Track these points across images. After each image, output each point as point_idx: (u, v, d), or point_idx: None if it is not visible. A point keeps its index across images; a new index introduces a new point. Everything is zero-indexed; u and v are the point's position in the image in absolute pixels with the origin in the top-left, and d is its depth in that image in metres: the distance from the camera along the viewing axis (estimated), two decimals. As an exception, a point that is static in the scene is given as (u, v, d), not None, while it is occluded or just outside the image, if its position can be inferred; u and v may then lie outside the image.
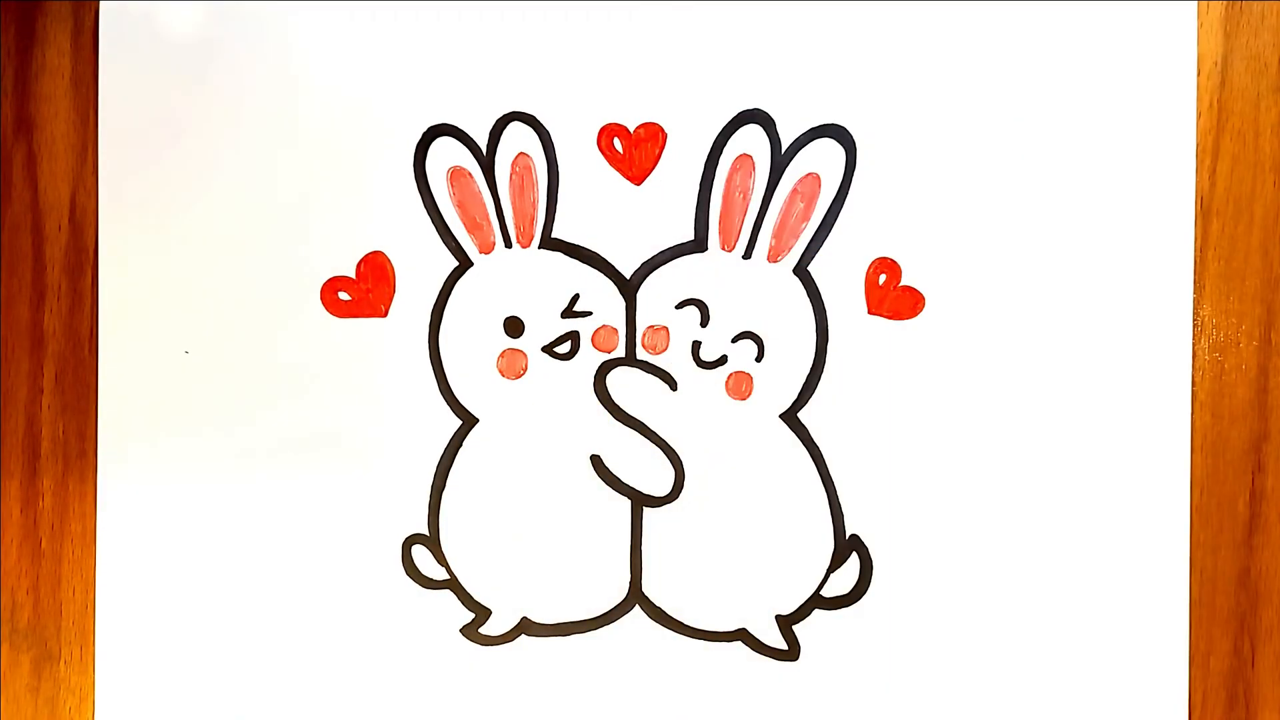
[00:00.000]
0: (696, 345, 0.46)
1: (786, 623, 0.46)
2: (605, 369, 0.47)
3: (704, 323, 0.46)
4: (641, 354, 0.47)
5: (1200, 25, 0.44)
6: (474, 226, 0.47)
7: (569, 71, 0.47)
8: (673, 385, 0.46)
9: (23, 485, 0.50)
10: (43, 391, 0.50)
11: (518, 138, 0.47)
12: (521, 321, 0.47)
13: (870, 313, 0.45)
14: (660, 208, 0.46)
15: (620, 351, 0.47)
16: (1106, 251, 0.44)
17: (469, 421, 0.47)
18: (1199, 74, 0.44)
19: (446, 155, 0.47)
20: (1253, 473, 0.44)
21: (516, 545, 0.47)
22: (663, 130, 0.46)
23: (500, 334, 0.47)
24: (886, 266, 0.45)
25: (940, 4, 0.45)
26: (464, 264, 0.47)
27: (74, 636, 0.50)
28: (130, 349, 0.49)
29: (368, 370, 0.48)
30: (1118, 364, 0.44)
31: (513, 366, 0.47)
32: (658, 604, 0.47)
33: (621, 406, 0.47)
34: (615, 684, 0.47)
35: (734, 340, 0.46)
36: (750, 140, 0.46)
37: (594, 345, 0.47)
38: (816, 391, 0.46)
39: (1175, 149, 0.44)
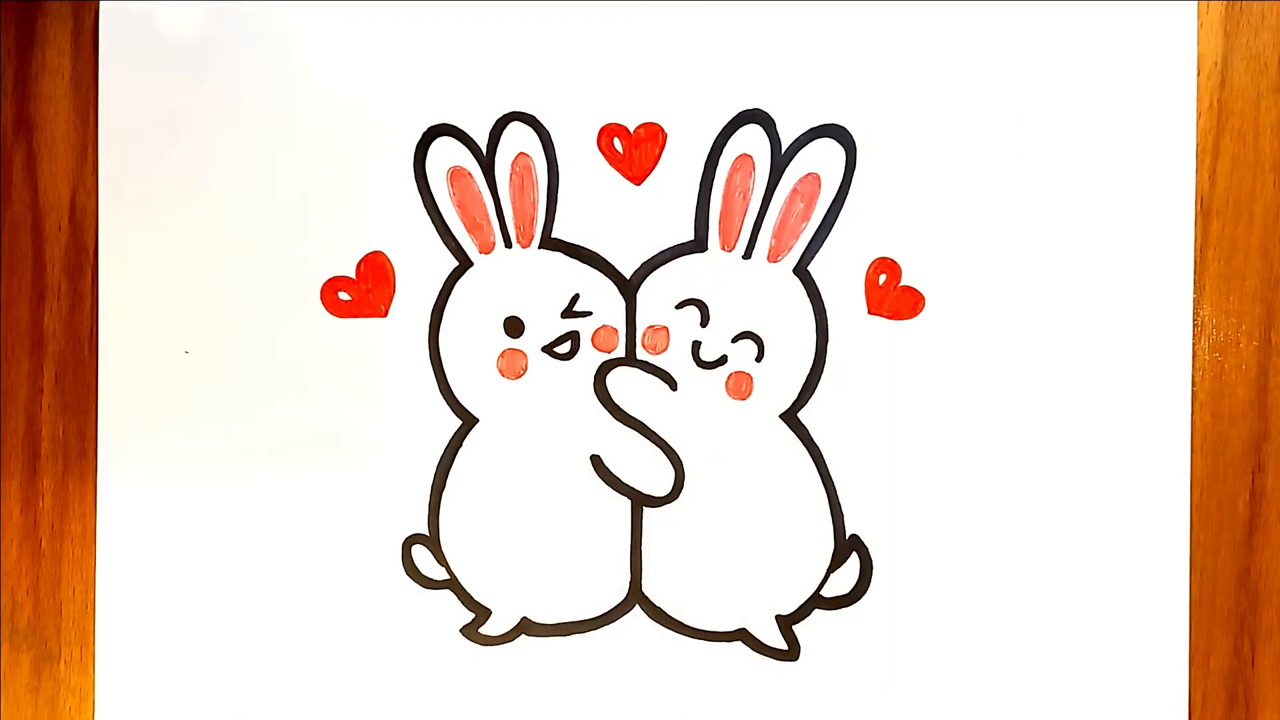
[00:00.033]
0: (696, 345, 0.46)
1: (786, 623, 0.46)
2: (605, 369, 0.47)
3: (704, 323, 0.46)
4: (641, 354, 0.47)
5: (1200, 25, 0.44)
6: (474, 226, 0.47)
7: (569, 71, 0.47)
8: (673, 385, 0.46)
9: (23, 485, 0.50)
10: (43, 391, 0.50)
11: (518, 138, 0.47)
12: (521, 321, 0.47)
13: (870, 313, 0.45)
14: (660, 208, 0.46)
15: (620, 351, 0.47)
16: (1106, 251, 0.44)
17: (469, 421, 0.47)
18: (1199, 74, 0.44)
19: (446, 155, 0.47)
20: (1253, 473, 0.44)
21: (516, 545, 0.47)
22: (663, 130, 0.46)
23: (500, 334, 0.47)
24: (886, 266, 0.45)
25: (940, 4, 0.45)
26: (464, 264, 0.47)
27: (74, 636, 0.50)
28: (130, 349, 0.49)
29: (368, 370, 0.48)
30: (1118, 364, 0.44)
31: (513, 366, 0.47)
32: (658, 604, 0.47)
33: (621, 406, 0.47)
34: (615, 684, 0.47)
35: (734, 340, 0.46)
36: (750, 140, 0.46)
37: (594, 345, 0.47)
38: (816, 391, 0.46)
39: (1175, 149, 0.44)
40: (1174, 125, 0.44)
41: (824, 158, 0.45)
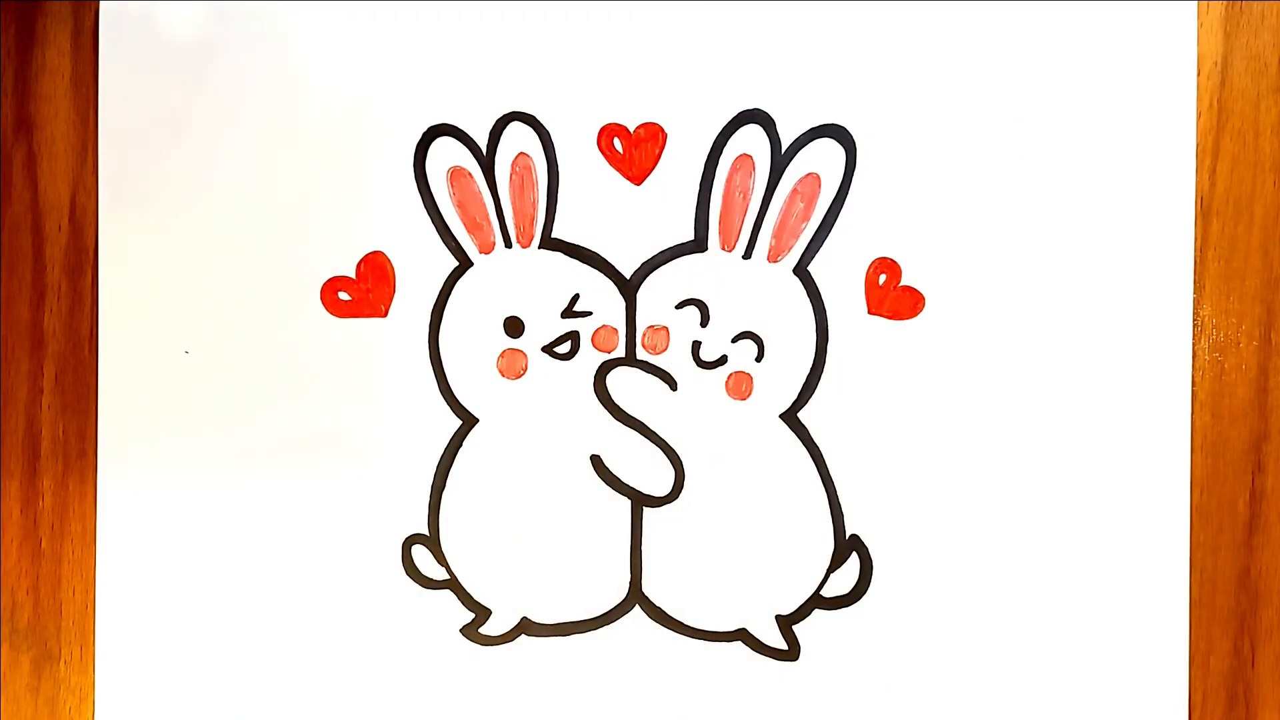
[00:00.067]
0: (696, 345, 0.46)
1: (786, 623, 0.46)
2: (605, 369, 0.47)
3: (704, 323, 0.46)
4: (641, 354, 0.47)
5: (1200, 25, 0.44)
6: (474, 226, 0.47)
7: (569, 71, 0.47)
8: (673, 385, 0.46)
9: (23, 485, 0.50)
10: (43, 391, 0.50)
11: (518, 138, 0.47)
12: (521, 321, 0.47)
13: (870, 313, 0.45)
14: (660, 208, 0.46)
15: (620, 351, 0.47)
16: (1106, 251, 0.44)
17: (469, 421, 0.47)
18: (1199, 74, 0.44)
19: (446, 155, 0.47)
20: (1253, 473, 0.44)
21: (516, 545, 0.47)
22: (663, 130, 0.46)
23: (500, 334, 0.47)
24: (886, 266, 0.45)
25: (940, 4, 0.45)
26: (464, 264, 0.47)
27: (74, 636, 0.50)
28: (130, 349, 0.49)
29: (368, 370, 0.48)
30: (1118, 364, 0.44)
31: (513, 366, 0.47)
32: (658, 604, 0.47)
33: (621, 406, 0.47)
34: (615, 684, 0.47)
35: (734, 340, 0.46)
36: (750, 140, 0.46)
37: (594, 345, 0.47)
38: (816, 391, 0.46)
39: (1175, 149, 0.44)
40: (1174, 125, 0.44)
41: (824, 158, 0.45)
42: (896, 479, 0.45)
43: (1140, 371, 0.44)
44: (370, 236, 0.48)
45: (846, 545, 0.46)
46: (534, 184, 0.47)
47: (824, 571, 0.46)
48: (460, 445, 0.47)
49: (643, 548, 0.47)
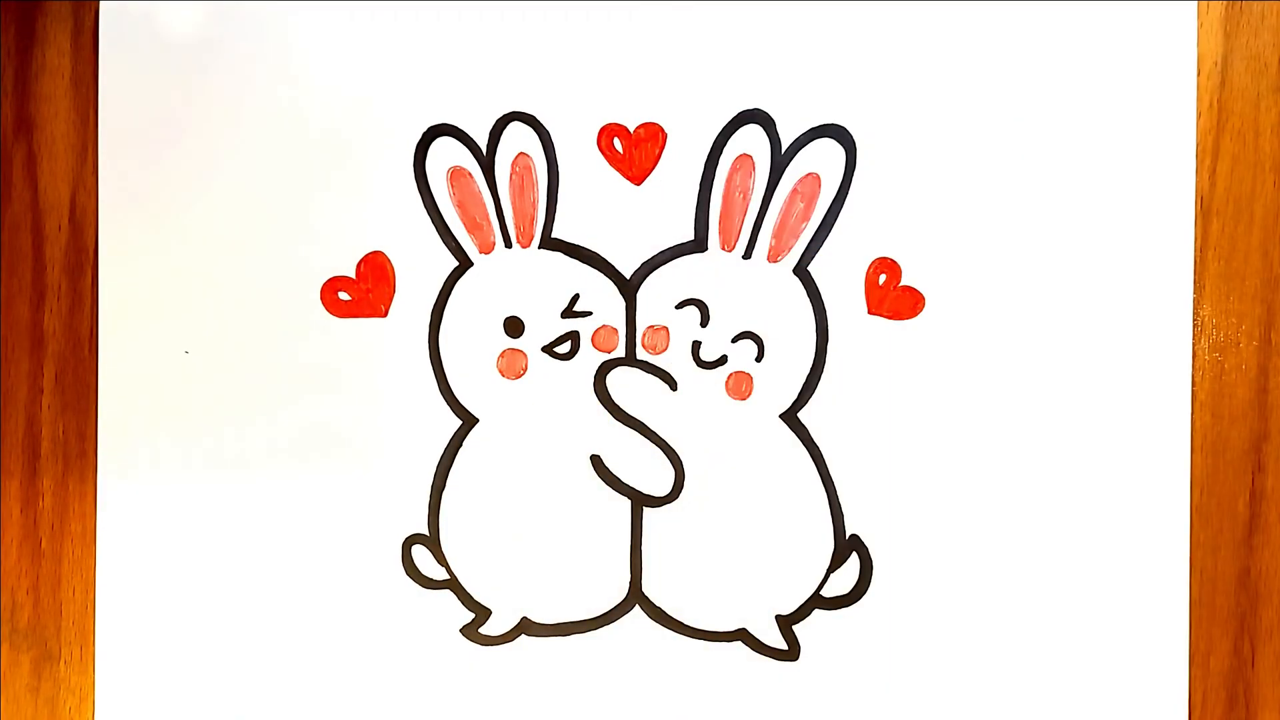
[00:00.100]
0: (696, 345, 0.46)
1: (786, 623, 0.46)
2: (605, 369, 0.47)
3: (704, 323, 0.46)
4: (641, 354, 0.47)
5: (1200, 25, 0.44)
6: (474, 226, 0.47)
7: (569, 71, 0.47)
8: (673, 385, 0.46)
9: (23, 485, 0.50)
10: (43, 391, 0.50)
11: (518, 138, 0.47)
12: (521, 321, 0.47)
13: (870, 313, 0.45)
14: (660, 208, 0.46)
15: (620, 351, 0.47)
16: (1106, 251, 0.44)
17: (469, 421, 0.47)
18: (1199, 74, 0.44)
19: (446, 155, 0.47)
20: (1253, 473, 0.44)
21: (516, 545, 0.47)
22: (663, 130, 0.46)
23: (500, 334, 0.47)
24: (886, 266, 0.45)
25: (940, 4, 0.45)
26: (464, 264, 0.47)
27: (74, 636, 0.50)
28: (130, 349, 0.49)
29: (368, 370, 0.48)
30: (1118, 364, 0.44)
31: (513, 366, 0.47)
32: (658, 604, 0.47)
33: (621, 406, 0.47)
34: (615, 684, 0.47)
35: (734, 340, 0.46)
36: (750, 140, 0.46)
37: (594, 345, 0.47)
38: (816, 391, 0.46)
39: (1175, 149, 0.44)
40: (1174, 125, 0.44)
41: (824, 158, 0.45)
42: (896, 479, 0.45)
43: (1140, 371, 0.44)
44: (370, 236, 0.48)
45: (846, 545, 0.46)
46: (534, 184, 0.47)
47: (824, 571, 0.46)
48: (460, 445, 0.47)
49: (643, 548, 0.47)
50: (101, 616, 0.49)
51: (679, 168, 0.46)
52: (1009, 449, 0.45)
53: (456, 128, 0.47)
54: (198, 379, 0.48)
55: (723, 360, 0.46)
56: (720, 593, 0.47)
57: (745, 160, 0.46)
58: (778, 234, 0.46)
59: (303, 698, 0.49)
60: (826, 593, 0.46)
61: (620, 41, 0.46)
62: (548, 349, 0.47)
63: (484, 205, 0.47)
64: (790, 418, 0.46)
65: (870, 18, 0.45)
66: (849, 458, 0.46)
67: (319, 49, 0.48)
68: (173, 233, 0.48)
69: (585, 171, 0.47)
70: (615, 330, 0.47)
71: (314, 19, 0.48)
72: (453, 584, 0.48)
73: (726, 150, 0.46)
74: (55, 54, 0.49)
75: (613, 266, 0.46)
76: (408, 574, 0.48)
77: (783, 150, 0.46)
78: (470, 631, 0.48)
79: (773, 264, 0.46)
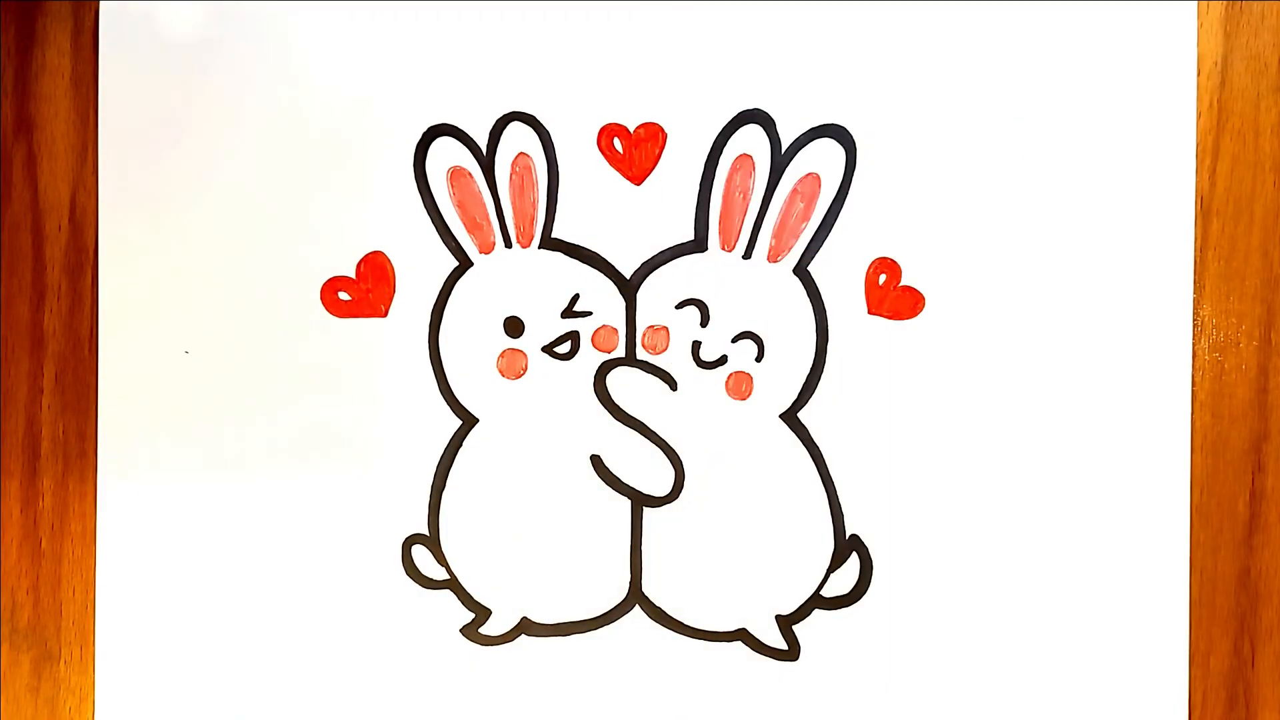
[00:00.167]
0: (696, 345, 0.46)
1: (786, 623, 0.46)
2: (605, 369, 0.47)
3: (704, 323, 0.46)
4: (641, 354, 0.47)
5: (1200, 25, 0.44)
6: (474, 226, 0.47)
7: (569, 71, 0.47)
8: (673, 385, 0.46)
9: (23, 485, 0.50)
10: (43, 391, 0.50)
11: (518, 138, 0.47)
12: (521, 321, 0.47)
13: (870, 313, 0.45)
14: (660, 208, 0.46)
15: (620, 351, 0.47)
16: (1106, 251, 0.44)
17: (469, 421, 0.47)
18: (1199, 74, 0.44)
19: (446, 155, 0.47)
20: (1253, 473, 0.44)
21: (516, 545, 0.47)
22: (663, 130, 0.46)
23: (500, 334, 0.47)
24: (886, 266, 0.45)
25: (940, 4, 0.45)
26: (464, 264, 0.47)
27: (74, 636, 0.50)
28: (130, 349, 0.49)
29: (368, 370, 0.48)
30: (1118, 364, 0.44)
31: (513, 366, 0.47)
32: (658, 604, 0.47)
33: (621, 406, 0.47)
34: (615, 684, 0.47)
35: (734, 340, 0.46)
36: (750, 140, 0.46)
37: (594, 345, 0.47)
38: (816, 391, 0.46)
39: (1175, 149, 0.44)
40: (1174, 125, 0.44)
41: (824, 158, 0.45)
42: (896, 479, 0.45)
43: (1140, 371, 0.44)
44: (370, 236, 0.48)
45: (846, 545, 0.46)
46: (534, 184, 0.47)
47: (824, 571, 0.46)
48: (460, 445, 0.47)
49: (643, 548, 0.47)
50: (101, 616, 0.49)
51: (679, 168, 0.46)
52: (1009, 449, 0.45)
53: (456, 128, 0.47)
54: (198, 379, 0.48)
55: (723, 360, 0.46)
56: (720, 593, 0.47)
57: (745, 160, 0.46)
58: (778, 234, 0.46)
59: (303, 698, 0.49)
60: (826, 593, 0.46)
61: (620, 41, 0.46)
62: (548, 349, 0.47)
63: (484, 205, 0.47)
64: (790, 418, 0.46)
65: (870, 18, 0.45)
66: (849, 458, 0.46)
67: (319, 49, 0.48)
68: (173, 233, 0.48)
69: (585, 171, 0.47)
70: (615, 330, 0.47)
71: (314, 19, 0.48)
72: (453, 584, 0.48)
73: (726, 150, 0.46)
74: (55, 54, 0.49)
75: (613, 266, 0.46)
76: (408, 574, 0.48)
77: (783, 150, 0.46)
78: (470, 631, 0.48)
79: (773, 264, 0.46)
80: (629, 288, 0.46)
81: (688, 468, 0.46)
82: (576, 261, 0.47)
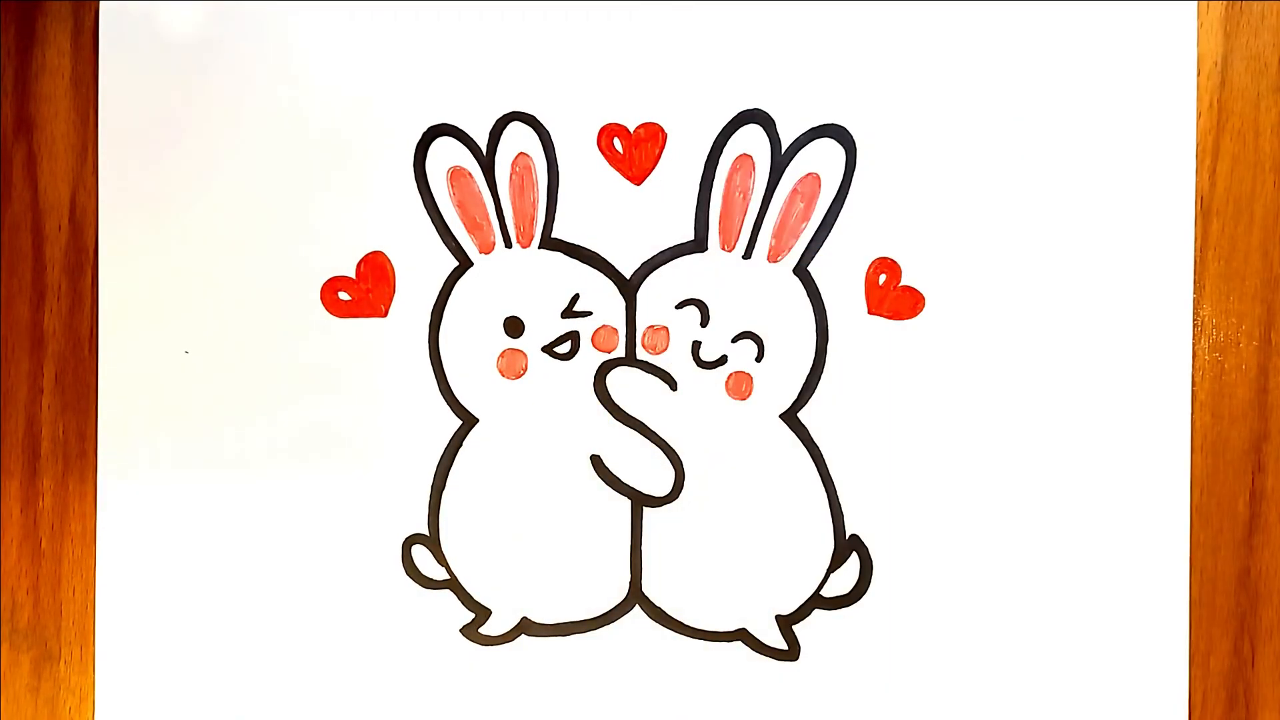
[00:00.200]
0: (696, 345, 0.46)
1: (786, 623, 0.46)
2: (605, 369, 0.47)
3: (704, 323, 0.46)
4: (641, 354, 0.47)
5: (1200, 25, 0.44)
6: (474, 226, 0.47)
7: (569, 71, 0.47)
8: (673, 385, 0.46)
9: (23, 485, 0.50)
10: (43, 391, 0.50)
11: (518, 138, 0.47)
12: (521, 321, 0.47)
13: (870, 313, 0.45)
14: (660, 208, 0.46)
15: (620, 351, 0.47)
16: (1106, 251, 0.44)
17: (469, 421, 0.47)
18: (1199, 74, 0.44)
19: (446, 155, 0.47)
20: (1253, 473, 0.44)
21: (516, 545, 0.47)
22: (663, 130, 0.46)
23: (500, 334, 0.47)
24: (886, 266, 0.45)
25: (940, 4, 0.45)
26: (464, 264, 0.47)
27: (74, 636, 0.50)
28: (130, 349, 0.49)
29: (368, 370, 0.48)
30: (1118, 364, 0.44)
31: (513, 366, 0.47)
32: (658, 604, 0.47)
33: (621, 406, 0.47)
34: (615, 684, 0.47)
35: (734, 340, 0.46)
36: (750, 140, 0.46)
37: (594, 345, 0.47)
38: (816, 391, 0.46)
39: (1175, 149, 0.44)
40: (1174, 125, 0.44)
41: (824, 158, 0.45)
42: (896, 479, 0.45)
43: (1140, 371, 0.44)
44: (370, 236, 0.48)
45: (846, 545, 0.46)
46: (534, 184, 0.47)
47: (824, 571, 0.46)
48: (460, 445, 0.47)
49: (643, 548, 0.47)
50: (101, 616, 0.49)
51: (679, 168, 0.46)
52: (1009, 449, 0.45)
53: (456, 128, 0.47)
54: (198, 379, 0.48)
55: (723, 360, 0.46)
56: (720, 593, 0.47)
57: (745, 160, 0.46)
58: (778, 234, 0.46)
59: (303, 698, 0.49)
60: (826, 593, 0.46)
61: (620, 41, 0.46)
62: (548, 349, 0.47)
63: (484, 205, 0.47)
64: (790, 418, 0.46)
65: (870, 18, 0.45)
66: (849, 458, 0.46)
67: (319, 49, 0.48)
68: (173, 233, 0.48)
69: (585, 171, 0.47)
70: (615, 330, 0.47)
71: (314, 19, 0.48)
72: (453, 584, 0.48)
73: (726, 150, 0.46)
74: (55, 54, 0.49)
75: (613, 266, 0.46)
76: (408, 574, 0.48)
77: (783, 150, 0.46)
78: (470, 631, 0.48)
79: (773, 264, 0.46)
80: (629, 288, 0.46)
81: (688, 468, 0.46)
82: (576, 261, 0.47)
